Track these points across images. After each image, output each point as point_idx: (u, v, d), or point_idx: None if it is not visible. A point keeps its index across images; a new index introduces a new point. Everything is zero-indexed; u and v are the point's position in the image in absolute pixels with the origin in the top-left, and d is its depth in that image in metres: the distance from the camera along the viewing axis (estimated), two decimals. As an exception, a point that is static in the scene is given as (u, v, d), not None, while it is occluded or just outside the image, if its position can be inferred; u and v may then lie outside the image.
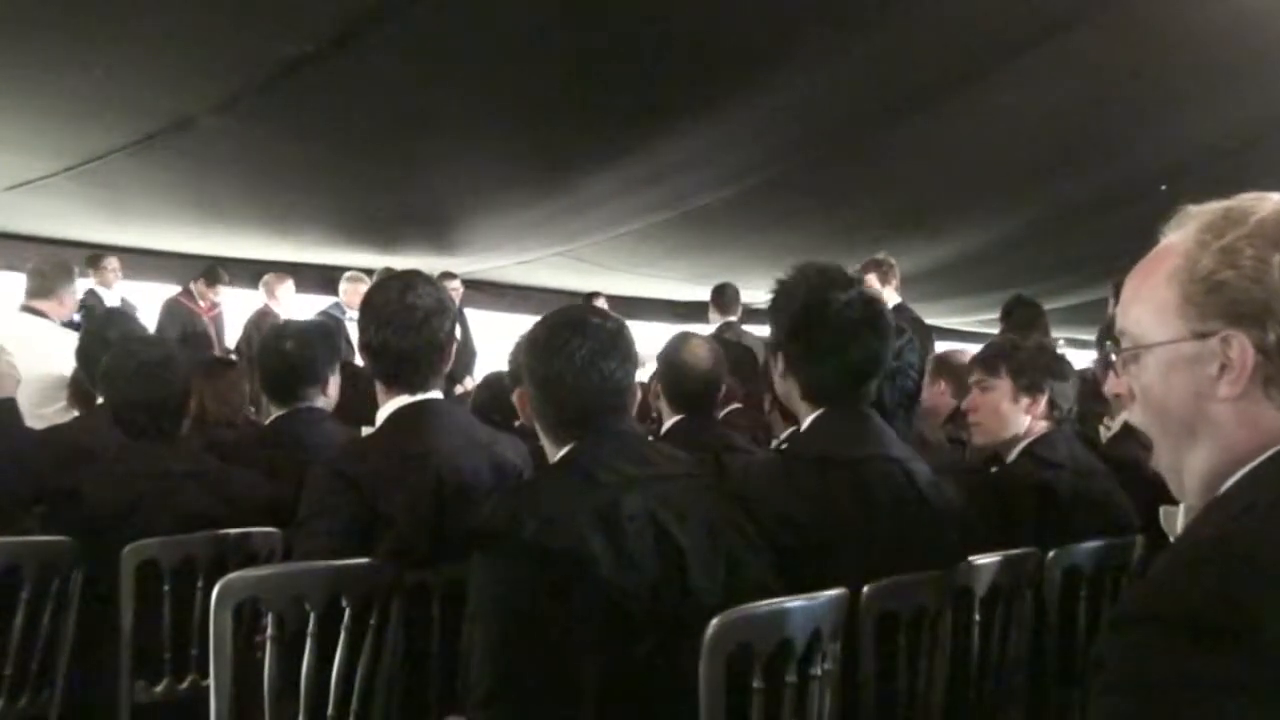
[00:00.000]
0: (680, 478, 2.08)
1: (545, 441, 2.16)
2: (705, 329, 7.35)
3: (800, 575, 2.06)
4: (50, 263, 5.35)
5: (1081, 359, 5.90)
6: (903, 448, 2.39)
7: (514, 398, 2.26)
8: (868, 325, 2.34)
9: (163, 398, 3.03)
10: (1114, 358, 1.32)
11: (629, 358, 2.11)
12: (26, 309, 5.04)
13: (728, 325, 7.51)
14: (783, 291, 2.44)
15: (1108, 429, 3.93)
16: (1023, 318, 5.72)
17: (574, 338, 2.06)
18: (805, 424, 2.38)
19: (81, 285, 5.80)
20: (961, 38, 5.42)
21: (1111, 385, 3.16)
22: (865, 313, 2.35)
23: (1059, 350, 3.29)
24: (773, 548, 2.11)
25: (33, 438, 3.30)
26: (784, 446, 2.70)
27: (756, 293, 8.92)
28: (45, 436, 3.50)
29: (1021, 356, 3.15)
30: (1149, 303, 1.24)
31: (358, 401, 4.27)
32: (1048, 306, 6.07)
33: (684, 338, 3.62)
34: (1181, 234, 1.24)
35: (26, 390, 3.85)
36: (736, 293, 7.76)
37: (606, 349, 2.07)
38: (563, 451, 2.09)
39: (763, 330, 8.21)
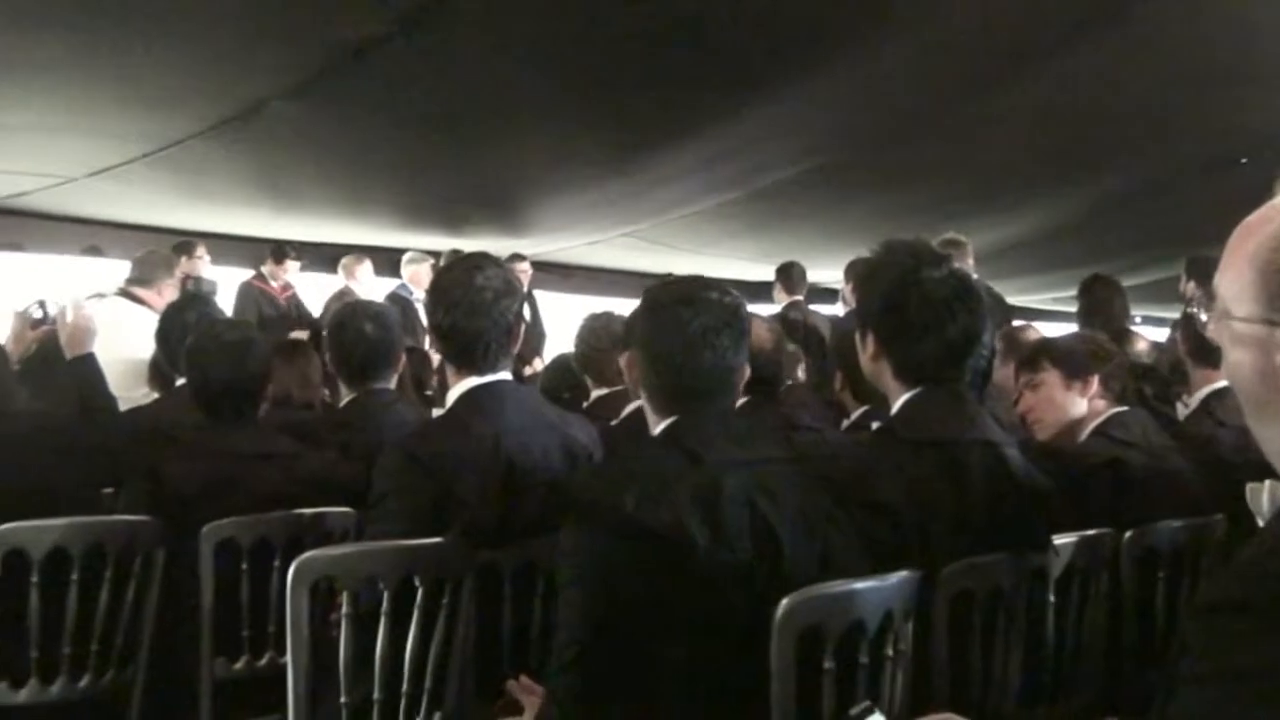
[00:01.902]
0: (779, 462, 2.06)
1: (647, 409, 2.13)
2: (771, 309, 7.33)
3: (891, 557, 2.04)
4: (155, 255, 5.52)
5: (1159, 336, 5.78)
6: (997, 430, 2.36)
7: (622, 360, 2.24)
8: (963, 301, 2.29)
9: (243, 379, 3.07)
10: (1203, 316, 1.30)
11: (744, 335, 2.08)
12: (124, 293, 5.15)
13: (794, 305, 7.47)
14: (870, 269, 2.41)
15: (1185, 406, 3.87)
16: (1099, 295, 5.62)
17: (690, 311, 2.03)
18: (898, 404, 2.34)
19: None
20: (1033, 13, 5.33)
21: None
22: (960, 288, 2.30)
23: (1131, 326, 3.27)
24: (867, 531, 2.09)
25: (113, 409, 3.35)
26: (875, 427, 2.67)
27: (824, 272, 8.89)
28: (126, 418, 3.57)
29: (1061, 346, 3.16)
30: (1233, 275, 1.22)
31: (414, 384, 4.33)
32: (1125, 284, 5.96)
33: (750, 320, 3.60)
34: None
35: (114, 372, 3.93)
36: (803, 272, 7.70)
37: (721, 326, 2.03)
38: (665, 423, 2.06)
39: (829, 309, 8.18)
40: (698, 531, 1.86)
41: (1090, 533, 2.50)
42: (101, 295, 5.16)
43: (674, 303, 2.06)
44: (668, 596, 1.85)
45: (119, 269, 5.66)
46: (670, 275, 2.19)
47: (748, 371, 2.13)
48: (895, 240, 2.40)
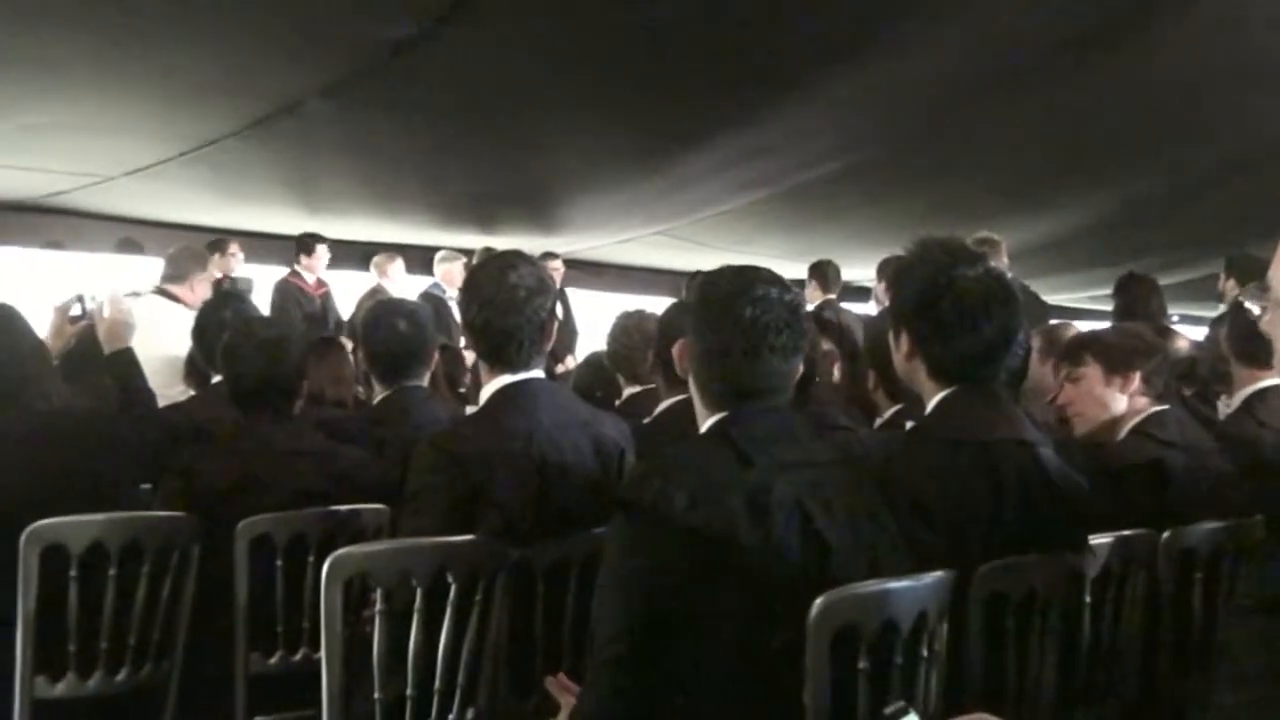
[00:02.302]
0: (828, 465, 2.04)
1: (697, 401, 2.11)
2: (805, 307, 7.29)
3: (925, 557, 2.03)
4: (186, 250, 5.56)
5: (1196, 335, 5.73)
6: (1033, 430, 2.34)
7: (674, 348, 2.21)
8: (999, 300, 2.27)
9: (278, 376, 3.09)
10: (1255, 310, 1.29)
11: (803, 335, 2.05)
12: (160, 291, 5.20)
13: (827, 303, 7.43)
14: (905, 267, 2.39)
15: (1226, 406, 3.82)
16: (1136, 294, 5.58)
17: (749, 309, 1.99)
18: (932, 404, 2.33)
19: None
20: (1067, 11, 5.29)
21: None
22: (996, 287, 2.28)
23: (1169, 325, 3.23)
24: (904, 531, 2.08)
25: (150, 404, 3.37)
26: (909, 426, 2.65)
27: (857, 270, 8.85)
28: (163, 414, 3.59)
29: (1104, 339, 3.13)
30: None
31: (447, 382, 4.35)
32: (1161, 282, 5.91)
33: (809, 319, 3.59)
34: None
35: (151, 369, 3.96)
36: (838, 270, 7.65)
37: (781, 325, 2.00)
38: (715, 419, 2.04)
39: (862, 308, 8.13)
40: (747, 534, 1.85)
41: (1127, 533, 2.48)
42: (137, 294, 5.20)
43: (732, 299, 2.01)
44: (714, 597, 1.85)
45: (156, 266, 5.70)
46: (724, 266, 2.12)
47: (800, 371, 2.10)
48: (930, 238, 2.38)
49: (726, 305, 2.01)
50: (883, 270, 6.56)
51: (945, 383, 2.31)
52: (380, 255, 8.56)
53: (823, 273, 7.60)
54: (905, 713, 1.51)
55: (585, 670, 1.96)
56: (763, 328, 1.98)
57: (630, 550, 1.89)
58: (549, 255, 8.44)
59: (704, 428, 2.07)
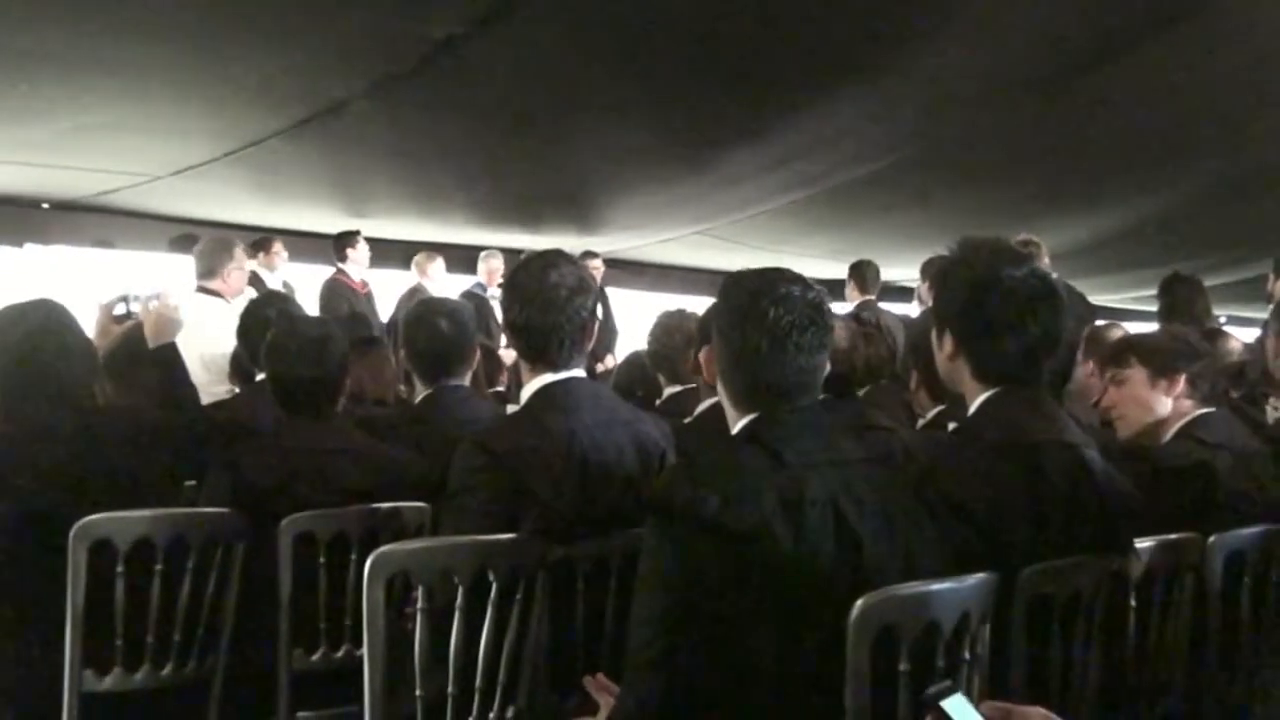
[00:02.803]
0: (861, 463, 2.04)
1: (727, 405, 2.12)
2: (844, 307, 7.28)
3: (971, 561, 2.02)
4: (209, 243, 5.57)
5: (1245, 337, 5.65)
6: (1077, 432, 2.32)
7: (700, 355, 2.23)
8: (1044, 301, 2.25)
9: (321, 375, 3.11)
10: None
11: (828, 331, 2.05)
12: (201, 290, 5.25)
13: (866, 304, 7.40)
14: (949, 267, 2.37)
15: (1276, 410, 3.77)
16: (1180, 295, 5.51)
17: (773, 307, 1.99)
18: (975, 405, 2.31)
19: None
20: (1111, 10, 5.24)
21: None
22: (1041, 288, 2.27)
23: (1217, 326, 3.20)
24: (945, 533, 2.07)
25: (195, 400, 3.41)
26: (952, 428, 2.64)
27: (898, 270, 8.79)
28: (208, 411, 3.63)
29: (1149, 342, 3.11)
30: None
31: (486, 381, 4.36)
32: (1207, 283, 5.84)
33: (834, 317, 3.58)
34: None
35: (198, 367, 4.00)
36: (877, 271, 7.61)
37: (805, 323, 2.01)
38: (745, 420, 2.05)
39: (902, 309, 8.09)
40: (780, 533, 1.85)
41: (1174, 536, 2.46)
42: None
43: (756, 298, 2.02)
44: (750, 597, 1.85)
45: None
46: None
47: (827, 368, 2.10)
48: (974, 238, 2.37)
49: (750, 305, 2.02)
50: (926, 270, 6.52)
51: (989, 383, 2.30)
52: (421, 254, 8.59)
53: (861, 273, 7.57)
54: (951, 692, 1.50)
55: (624, 670, 1.96)
56: (786, 326, 1.99)
57: (664, 553, 1.89)
58: (589, 254, 8.47)
59: (735, 430, 2.08)
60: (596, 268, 8.48)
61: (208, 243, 5.58)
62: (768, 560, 1.84)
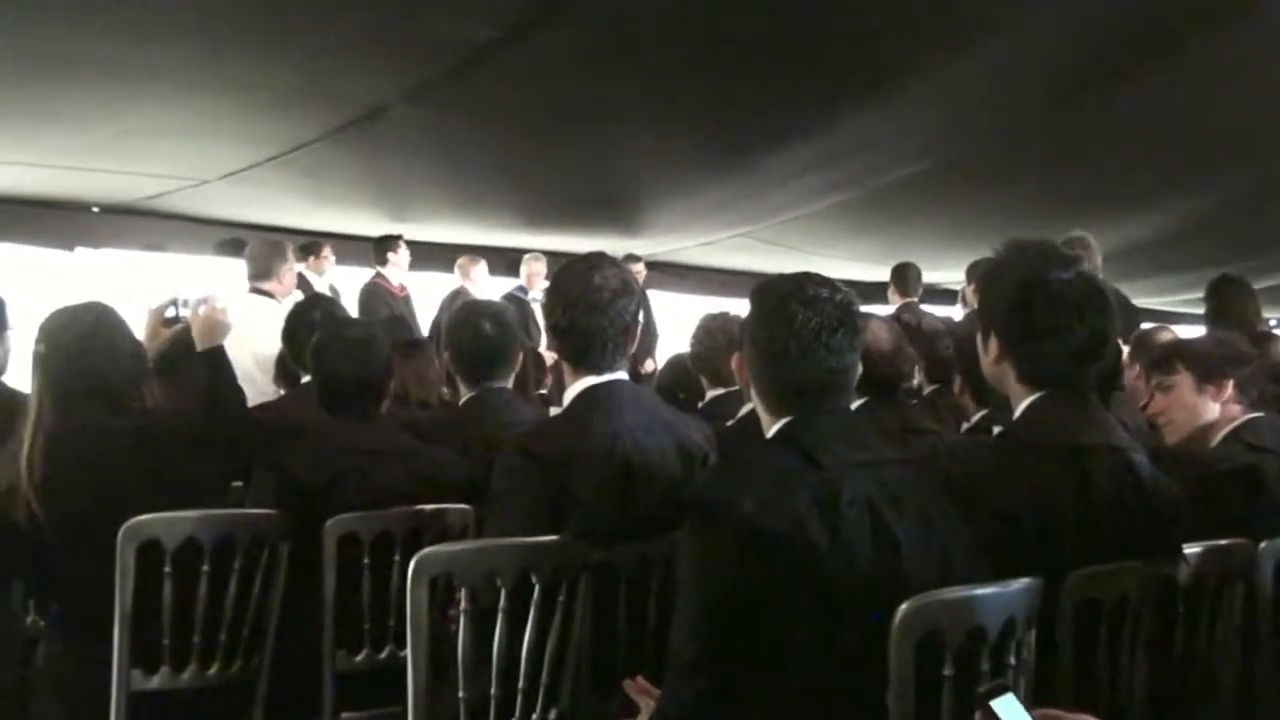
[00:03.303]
0: (897, 465, 2.04)
1: (760, 410, 2.12)
2: (886, 310, 7.24)
3: (1016, 566, 2.00)
4: (262, 245, 5.62)
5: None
6: (1124, 436, 2.29)
7: (732, 362, 2.24)
8: (1092, 304, 2.23)
9: (366, 377, 3.14)
10: None
11: (857, 334, 2.06)
12: (254, 290, 5.30)
13: (907, 306, 7.36)
14: (995, 269, 2.36)
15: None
16: (1230, 298, 5.44)
17: (803, 310, 2.01)
18: (1021, 408, 2.29)
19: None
20: (1157, 8, 5.18)
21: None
22: (1089, 290, 2.24)
23: (1267, 329, 3.16)
24: (988, 537, 2.05)
25: (241, 402, 3.44)
26: (997, 431, 2.62)
27: (942, 273, 8.73)
28: (254, 413, 3.66)
29: (1195, 347, 3.09)
30: None
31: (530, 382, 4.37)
32: (1257, 286, 5.76)
33: (864, 318, 3.56)
34: None
35: (247, 368, 4.03)
36: (919, 273, 7.57)
37: (834, 324, 2.02)
38: (779, 424, 2.05)
39: (945, 311, 8.02)
40: (817, 534, 1.85)
41: (1222, 542, 2.42)
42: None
43: (785, 301, 2.03)
44: (786, 600, 1.84)
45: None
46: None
47: (859, 370, 2.11)
48: (1020, 240, 2.35)
49: (779, 308, 2.03)
50: (971, 272, 6.48)
51: (1035, 387, 2.28)
52: (464, 258, 8.63)
53: (902, 275, 7.54)
54: (1002, 691, 1.49)
55: (664, 673, 1.96)
56: (816, 327, 2.00)
57: (702, 556, 1.90)
58: (632, 258, 8.47)
59: (769, 434, 2.08)
60: (639, 271, 8.51)
61: (260, 245, 5.63)
62: (804, 562, 1.84)
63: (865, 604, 1.86)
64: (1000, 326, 2.31)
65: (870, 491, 1.93)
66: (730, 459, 2.18)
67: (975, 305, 3.10)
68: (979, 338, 2.38)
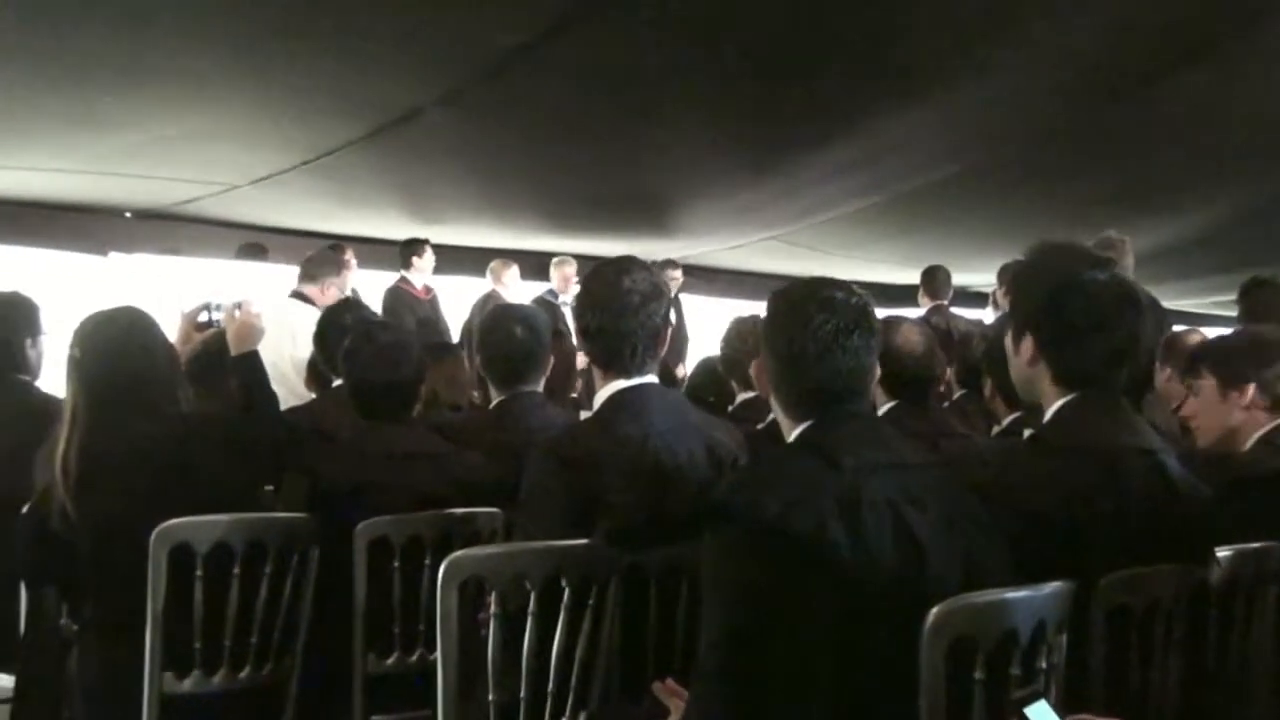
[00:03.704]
0: (920, 466, 2.04)
1: (780, 416, 2.13)
2: (915, 312, 7.23)
3: (1045, 569, 1.99)
4: (324, 254, 5.77)
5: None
6: (1155, 438, 2.28)
7: (750, 369, 2.25)
8: (1128, 304, 2.22)
9: (398, 380, 3.15)
10: None
11: (874, 335, 2.07)
12: (296, 294, 5.34)
13: (937, 309, 7.34)
14: (1029, 271, 2.36)
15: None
16: (1261, 300, 5.39)
17: (819, 313, 2.02)
18: (1052, 410, 2.28)
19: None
20: (1191, 8, 5.14)
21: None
22: (1123, 292, 2.23)
23: None
24: (1017, 541, 2.04)
25: (274, 407, 3.46)
26: (1028, 434, 2.60)
27: (972, 275, 8.68)
28: (285, 417, 3.67)
29: (1219, 351, 3.07)
30: None
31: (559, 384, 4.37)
32: (1285, 288, 5.70)
33: (895, 321, 3.55)
34: None
35: (286, 370, 4.04)
36: (948, 276, 7.56)
37: (851, 326, 2.02)
38: (800, 429, 2.06)
39: (975, 313, 7.98)
40: (840, 535, 1.84)
41: (1256, 546, 2.40)
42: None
43: (802, 304, 2.05)
44: (812, 603, 1.84)
45: (278, 272, 5.84)
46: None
47: (878, 373, 2.11)
48: (1052, 241, 2.34)
49: (796, 312, 2.05)
50: (1004, 274, 6.45)
51: (1067, 389, 2.26)
52: (496, 261, 8.64)
53: (932, 278, 7.54)
54: (1036, 698, 1.49)
55: (690, 680, 1.96)
56: (832, 330, 2.01)
57: (726, 560, 1.90)
58: (670, 263, 8.50)
59: (790, 439, 2.09)
60: (674, 277, 8.61)
61: (321, 252, 5.76)
62: (828, 563, 1.84)
63: (889, 605, 1.86)
64: (1035, 327, 2.29)
65: (892, 493, 1.93)
66: (751, 463, 2.18)
67: (1006, 308, 3.07)
68: (1009, 340, 2.37)
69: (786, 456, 2.06)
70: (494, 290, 8.39)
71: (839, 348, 2.00)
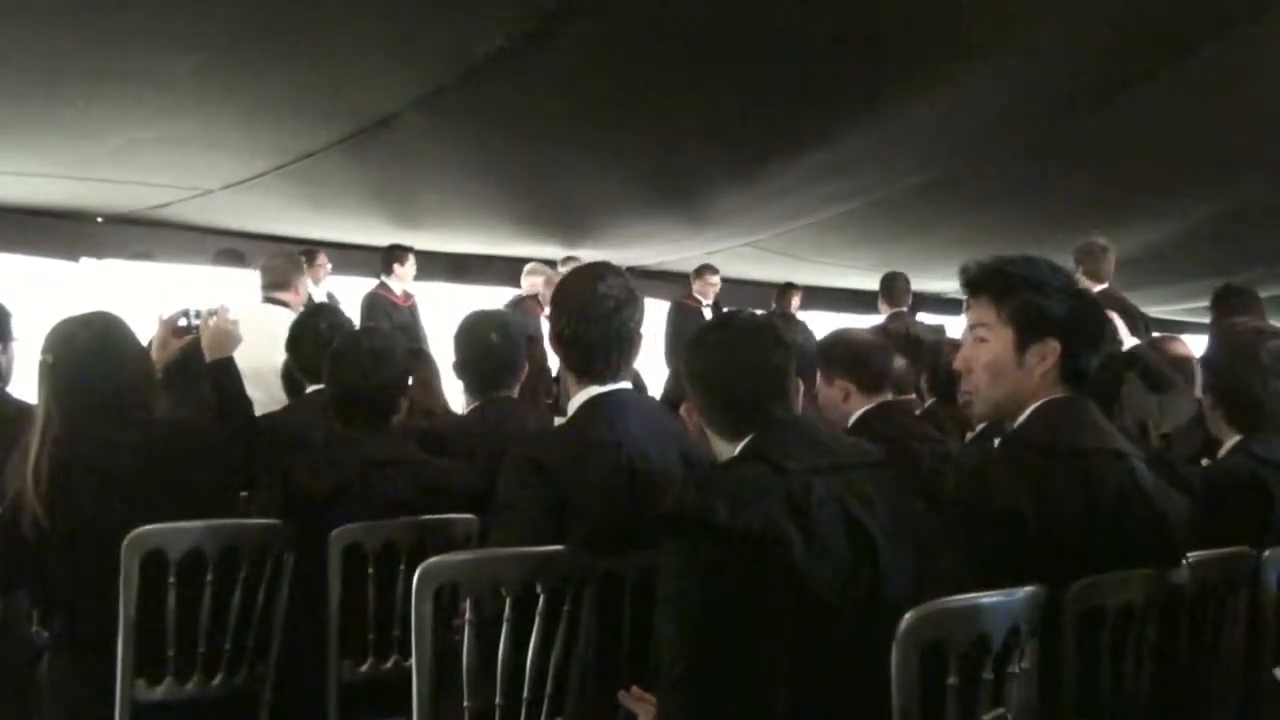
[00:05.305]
0: (864, 467, 2.08)
1: (721, 445, 2.19)
2: (875, 319, 7.30)
3: (1016, 570, 2.00)
4: (282, 257, 5.68)
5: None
6: (1125, 443, 2.30)
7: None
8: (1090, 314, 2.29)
9: (382, 386, 3.14)
10: None
11: (781, 344, 2.17)
12: (270, 300, 5.32)
13: (896, 315, 7.42)
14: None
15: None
16: (1234, 306, 5.43)
17: (723, 333, 2.20)
18: (1025, 414, 2.29)
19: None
20: (1164, 15, 5.18)
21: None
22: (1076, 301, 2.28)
23: None
24: (989, 541, 2.06)
25: (249, 413, 3.44)
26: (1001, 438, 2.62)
27: (944, 283, 8.70)
28: (260, 423, 3.65)
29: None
30: None
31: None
32: (1263, 294, 5.75)
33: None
34: None
35: (270, 375, 4.01)
36: (907, 283, 7.70)
37: (754, 340, 2.15)
38: (741, 445, 2.10)
39: (938, 319, 8.01)
40: (790, 532, 1.88)
41: (1228, 550, 2.42)
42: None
43: (706, 331, 2.25)
44: (769, 604, 1.87)
45: (256, 278, 5.81)
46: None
47: (801, 384, 2.21)
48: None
49: (702, 338, 2.25)
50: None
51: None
52: (531, 264, 8.73)
53: (889, 285, 7.71)
54: None
55: (655, 693, 1.98)
56: (740, 344, 2.18)
57: (680, 567, 1.93)
58: (708, 269, 9.14)
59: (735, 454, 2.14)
60: (713, 284, 9.29)
61: (278, 257, 5.70)
62: (781, 563, 1.86)
63: (845, 602, 1.89)
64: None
65: (840, 492, 1.98)
66: (698, 473, 2.27)
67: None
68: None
69: (733, 465, 2.11)
70: (537, 293, 8.42)
71: (752, 357, 2.15)
